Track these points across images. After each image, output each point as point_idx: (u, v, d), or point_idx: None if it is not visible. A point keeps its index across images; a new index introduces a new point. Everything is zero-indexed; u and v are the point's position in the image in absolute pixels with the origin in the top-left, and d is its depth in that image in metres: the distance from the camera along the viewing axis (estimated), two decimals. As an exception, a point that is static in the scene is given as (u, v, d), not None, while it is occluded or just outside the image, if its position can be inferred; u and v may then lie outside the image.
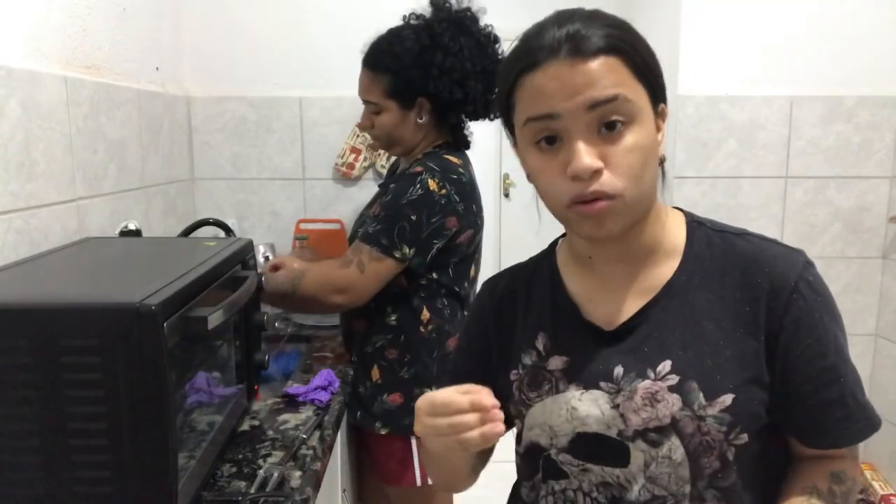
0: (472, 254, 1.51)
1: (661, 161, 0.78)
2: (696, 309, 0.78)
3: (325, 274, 1.40)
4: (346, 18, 2.12)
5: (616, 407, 0.77)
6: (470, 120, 1.52)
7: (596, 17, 0.74)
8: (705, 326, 0.77)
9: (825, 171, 2.22)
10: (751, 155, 2.22)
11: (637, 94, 0.72)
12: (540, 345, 0.84)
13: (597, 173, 0.70)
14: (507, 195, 4.53)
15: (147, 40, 1.84)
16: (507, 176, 4.49)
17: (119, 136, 1.64)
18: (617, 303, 0.81)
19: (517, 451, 0.89)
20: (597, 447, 0.78)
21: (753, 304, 0.76)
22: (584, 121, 0.70)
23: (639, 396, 0.76)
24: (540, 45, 0.72)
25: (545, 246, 0.94)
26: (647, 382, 0.76)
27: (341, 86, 2.12)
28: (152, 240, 1.43)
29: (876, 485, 2.25)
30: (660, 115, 0.77)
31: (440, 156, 1.46)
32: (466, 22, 1.44)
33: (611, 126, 0.71)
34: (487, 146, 4.31)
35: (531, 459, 0.85)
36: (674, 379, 0.75)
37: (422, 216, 1.36)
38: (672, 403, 0.74)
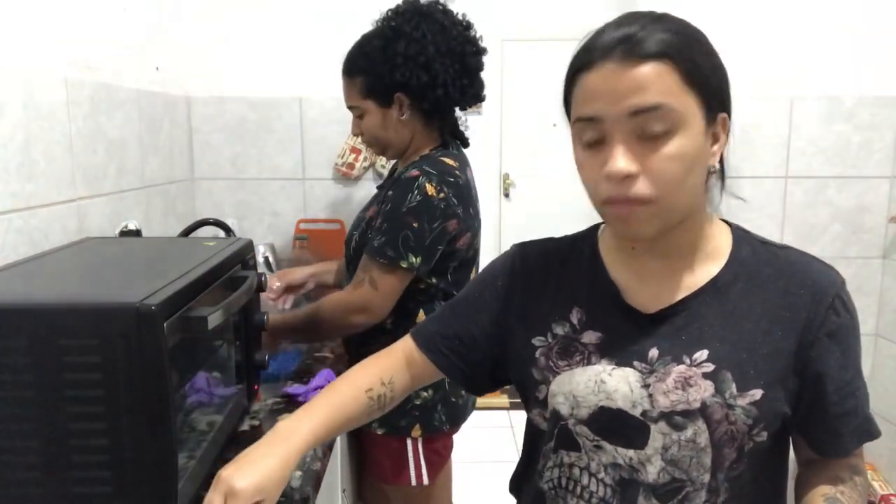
0: (471, 258, 1.50)
1: (712, 171, 0.79)
2: (737, 308, 0.79)
3: (341, 298, 1.42)
4: (345, 19, 2.12)
5: (646, 387, 0.78)
6: (448, 106, 1.47)
7: (660, 20, 0.75)
8: (744, 325, 0.78)
9: (825, 170, 2.22)
10: (750, 155, 2.22)
11: (684, 104, 0.72)
12: (574, 318, 0.85)
13: (631, 177, 0.72)
14: (507, 195, 4.52)
15: (147, 40, 1.85)
16: (507, 176, 4.48)
17: (119, 136, 1.64)
18: (658, 292, 0.83)
19: (530, 420, 0.90)
20: (616, 424, 0.79)
21: (793, 311, 0.78)
22: (626, 126, 0.72)
23: (671, 379, 0.77)
24: (596, 45, 0.74)
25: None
26: (681, 367, 0.77)
27: (341, 86, 2.12)
28: (152, 240, 1.43)
29: (876, 485, 2.25)
30: (719, 124, 0.77)
31: (436, 158, 1.45)
32: (430, 10, 1.45)
33: (653, 133, 0.71)
34: (487, 146, 4.31)
35: (549, 426, 0.86)
36: (709, 367, 0.77)
37: (423, 223, 1.35)
38: (704, 389, 0.76)
